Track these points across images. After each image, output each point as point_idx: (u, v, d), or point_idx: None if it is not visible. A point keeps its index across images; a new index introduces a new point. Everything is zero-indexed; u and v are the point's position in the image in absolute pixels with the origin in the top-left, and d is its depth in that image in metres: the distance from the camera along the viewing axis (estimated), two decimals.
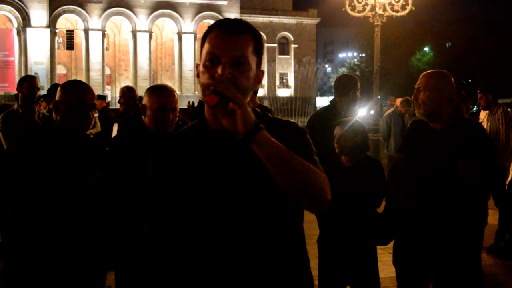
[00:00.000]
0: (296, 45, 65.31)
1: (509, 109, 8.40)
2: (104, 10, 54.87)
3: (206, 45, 1.90)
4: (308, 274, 2.11)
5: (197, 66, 1.98)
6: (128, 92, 7.38)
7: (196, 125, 2.01)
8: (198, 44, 57.48)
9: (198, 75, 1.96)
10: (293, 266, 2.02)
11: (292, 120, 2.08)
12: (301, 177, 1.81)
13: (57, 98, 3.34)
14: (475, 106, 8.52)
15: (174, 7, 56.84)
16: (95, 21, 54.65)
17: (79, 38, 56.21)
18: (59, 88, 3.40)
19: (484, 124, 7.41)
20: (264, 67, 63.11)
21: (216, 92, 1.73)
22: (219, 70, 1.82)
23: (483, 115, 7.88)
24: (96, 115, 3.53)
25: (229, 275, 1.93)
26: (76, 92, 3.31)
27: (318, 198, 1.87)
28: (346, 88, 5.35)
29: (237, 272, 1.92)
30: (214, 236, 1.93)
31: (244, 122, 1.73)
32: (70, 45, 57.25)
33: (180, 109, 4.10)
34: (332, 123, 4.50)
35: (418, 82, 3.85)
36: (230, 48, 1.86)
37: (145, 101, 3.60)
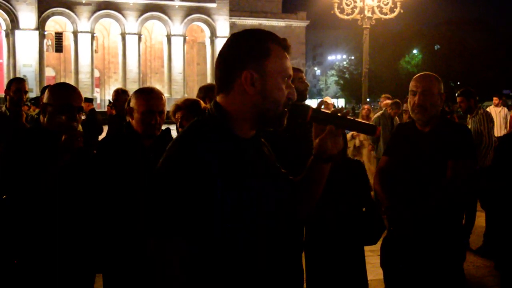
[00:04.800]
0: None
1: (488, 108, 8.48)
2: (93, 12, 54.57)
3: (278, 61, 1.86)
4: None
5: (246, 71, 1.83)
6: (122, 95, 7.39)
7: (222, 133, 1.84)
8: (187, 46, 57.35)
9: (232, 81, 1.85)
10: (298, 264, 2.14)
11: None
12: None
13: (44, 100, 3.34)
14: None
15: (163, 9, 56.61)
16: (84, 24, 54.36)
17: (68, 40, 55.85)
18: (46, 90, 3.40)
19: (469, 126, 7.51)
20: None
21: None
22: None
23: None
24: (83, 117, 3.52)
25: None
26: (62, 94, 3.31)
27: None
28: None
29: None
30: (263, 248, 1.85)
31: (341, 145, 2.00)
32: (59, 47, 56.80)
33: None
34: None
35: (413, 85, 3.81)
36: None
37: (132, 103, 3.58)
